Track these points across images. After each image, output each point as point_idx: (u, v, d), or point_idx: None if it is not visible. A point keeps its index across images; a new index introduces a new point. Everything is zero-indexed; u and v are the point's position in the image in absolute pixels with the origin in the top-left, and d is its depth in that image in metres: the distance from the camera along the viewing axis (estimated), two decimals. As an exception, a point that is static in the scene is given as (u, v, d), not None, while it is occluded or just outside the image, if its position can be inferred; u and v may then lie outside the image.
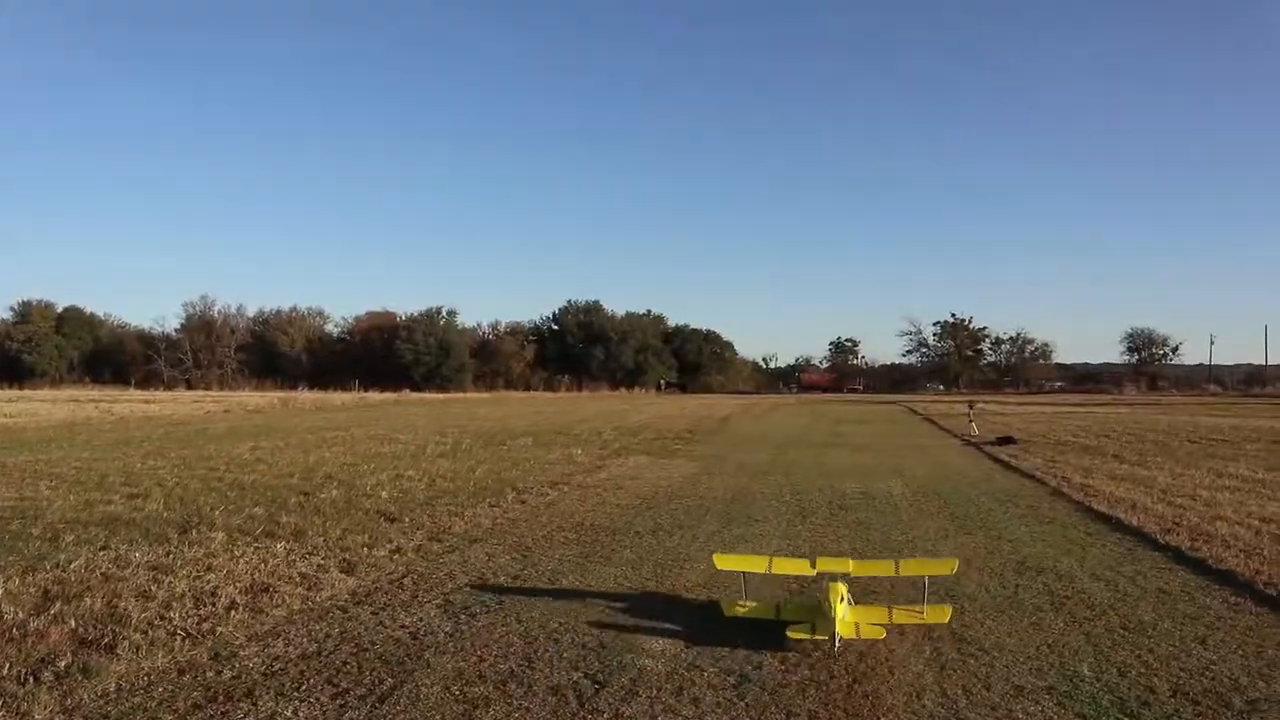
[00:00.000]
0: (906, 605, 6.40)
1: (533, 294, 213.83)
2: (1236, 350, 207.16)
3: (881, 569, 6.87)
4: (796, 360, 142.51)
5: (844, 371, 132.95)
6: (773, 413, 44.41)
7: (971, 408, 30.45)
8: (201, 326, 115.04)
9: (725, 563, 7.14)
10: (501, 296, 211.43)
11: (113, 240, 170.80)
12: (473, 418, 36.40)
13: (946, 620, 6.17)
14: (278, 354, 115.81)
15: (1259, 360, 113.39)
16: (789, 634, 5.87)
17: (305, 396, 58.29)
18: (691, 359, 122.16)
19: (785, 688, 5.17)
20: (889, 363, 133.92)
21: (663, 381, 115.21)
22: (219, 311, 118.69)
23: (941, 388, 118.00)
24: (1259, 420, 33.06)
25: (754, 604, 6.52)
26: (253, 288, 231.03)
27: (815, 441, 24.27)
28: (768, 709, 4.84)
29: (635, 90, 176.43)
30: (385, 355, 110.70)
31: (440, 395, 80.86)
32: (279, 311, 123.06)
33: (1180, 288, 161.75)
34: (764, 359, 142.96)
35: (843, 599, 5.90)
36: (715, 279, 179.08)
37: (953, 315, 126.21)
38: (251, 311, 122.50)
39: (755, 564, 7.02)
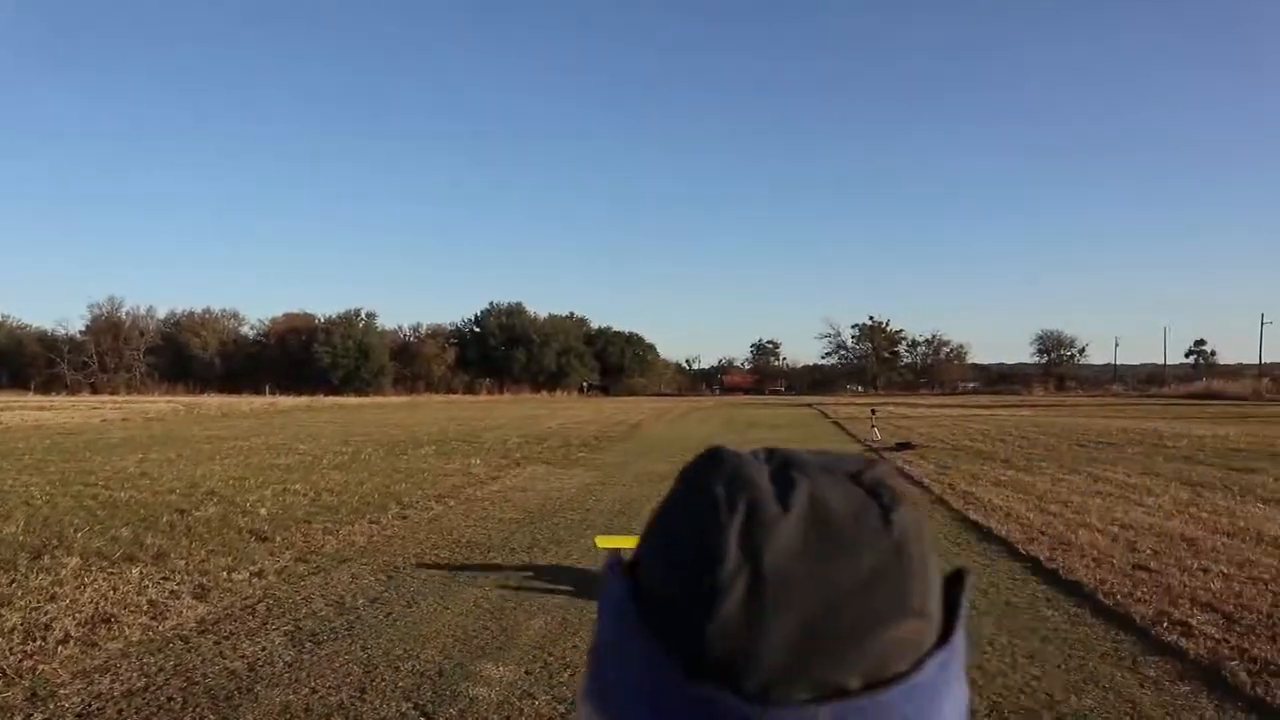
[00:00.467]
0: None
1: (455, 296, 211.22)
2: (1141, 351, 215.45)
3: None
4: (719, 362, 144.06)
5: (766, 373, 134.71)
6: (687, 417, 44.60)
7: (874, 413, 31.17)
8: (108, 328, 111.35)
9: (605, 542, 9.00)
10: (423, 298, 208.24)
11: (13, 239, 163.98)
12: (382, 424, 35.83)
13: None
14: (189, 357, 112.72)
15: (1160, 360, 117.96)
16: None
17: (211, 402, 56.60)
18: (614, 361, 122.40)
19: None
20: (810, 364, 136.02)
21: (585, 384, 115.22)
22: (127, 313, 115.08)
23: (861, 389, 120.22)
24: (1149, 421, 34.35)
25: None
26: (164, 289, 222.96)
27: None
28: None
29: (562, 90, 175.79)
30: (302, 358, 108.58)
31: (355, 400, 79.43)
32: (191, 313, 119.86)
33: (1091, 290, 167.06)
34: (687, 360, 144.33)
35: None
36: (639, 281, 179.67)
37: (870, 318, 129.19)
38: (162, 313, 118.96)
39: (628, 541, 8.73)
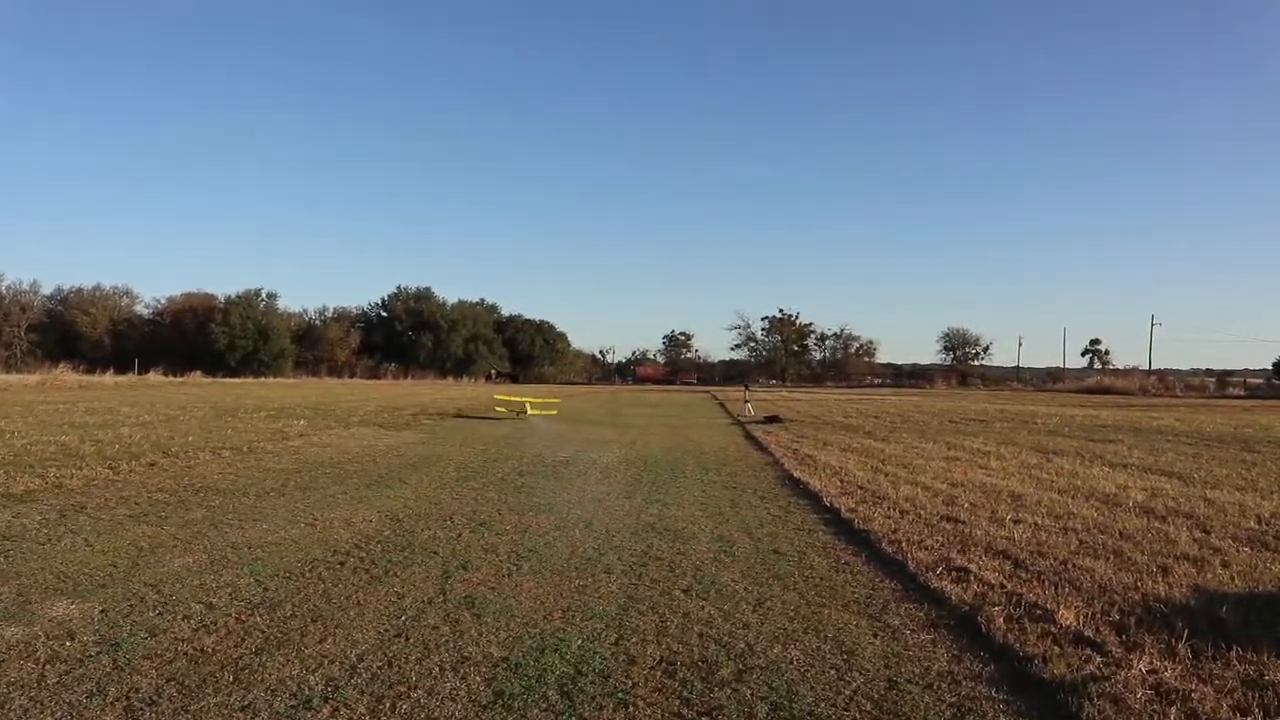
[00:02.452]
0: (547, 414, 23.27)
1: (363, 278, 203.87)
2: (1044, 352, 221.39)
3: (542, 403, 25.61)
4: (634, 354, 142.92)
5: (679, 365, 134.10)
6: (573, 398, 43.19)
7: (747, 389, 30.45)
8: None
9: (500, 396, 28.17)
10: (330, 281, 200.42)
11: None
12: (244, 397, 33.64)
13: (555, 412, 24.65)
14: (77, 335, 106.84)
15: (1061, 360, 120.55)
16: (519, 418, 22.38)
17: (70, 378, 53.63)
18: (524, 349, 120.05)
19: (174, 659, 3.81)
20: (725, 359, 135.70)
21: (494, 371, 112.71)
22: (7, 287, 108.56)
23: (775, 382, 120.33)
24: (1029, 406, 34.30)
25: (504, 410, 23.88)
26: (55, 264, 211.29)
27: (585, 420, 23.23)
28: (123, 676, 3.47)
29: (471, 82, 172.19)
30: (198, 339, 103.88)
31: (241, 380, 76.05)
32: (80, 289, 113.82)
33: (1000, 294, 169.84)
34: (601, 351, 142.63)
35: (530, 406, 24.06)
36: (554, 270, 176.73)
37: (780, 310, 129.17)
38: (48, 289, 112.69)
39: (505, 397, 27.22)
